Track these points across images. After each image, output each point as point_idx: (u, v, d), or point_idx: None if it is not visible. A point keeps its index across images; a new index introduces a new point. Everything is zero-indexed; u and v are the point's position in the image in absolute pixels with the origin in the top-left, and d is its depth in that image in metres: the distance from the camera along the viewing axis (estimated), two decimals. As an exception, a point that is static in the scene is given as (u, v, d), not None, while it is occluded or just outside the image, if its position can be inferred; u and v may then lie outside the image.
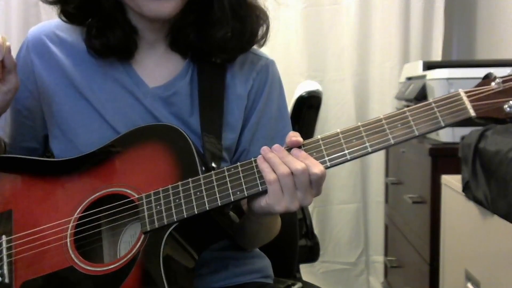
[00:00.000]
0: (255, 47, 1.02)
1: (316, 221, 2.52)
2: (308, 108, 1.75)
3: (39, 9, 2.47)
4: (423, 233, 1.74)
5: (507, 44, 2.12)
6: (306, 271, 2.38)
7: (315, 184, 0.80)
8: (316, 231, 1.70)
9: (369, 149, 0.80)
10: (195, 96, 0.98)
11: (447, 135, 1.65)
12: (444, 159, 1.62)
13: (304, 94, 1.74)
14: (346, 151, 0.80)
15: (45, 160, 0.99)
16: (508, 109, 0.78)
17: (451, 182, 1.48)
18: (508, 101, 0.78)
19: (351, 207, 2.57)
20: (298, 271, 1.39)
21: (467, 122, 0.80)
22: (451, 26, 2.61)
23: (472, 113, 0.78)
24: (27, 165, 0.96)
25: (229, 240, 1.01)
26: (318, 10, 2.50)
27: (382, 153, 2.41)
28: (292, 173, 0.79)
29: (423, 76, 1.82)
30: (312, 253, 1.64)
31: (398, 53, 2.48)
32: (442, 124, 0.79)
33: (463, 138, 1.38)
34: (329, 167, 0.81)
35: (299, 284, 1.19)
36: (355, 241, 2.59)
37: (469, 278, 1.34)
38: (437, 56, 2.47)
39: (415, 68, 1.94)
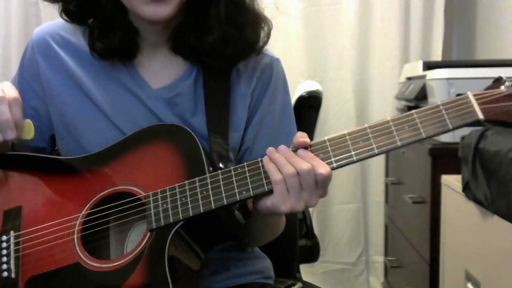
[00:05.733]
0: None
1: (316, 221, 2.52)
2: (308, 108, 1.75)
3: (39, 9, 2.47)
4: (423, 233, 1.74)
5: (507, 44, 2.12)
6: (306, 271, 2.37)
7: (321, 185, 0.80)
8: (316, 231, 1.70)
9: (376, 151, 0.80)
10: (199, 97, 0.98)
11: (447, 135, 1.65)
12: (444, 159, 1.62)
13: (304, 94, 1.74)
14: (353, 153, 0.80)
15: (55, 158, 1.00)
16: None
17: (451, 182, 1.48)
18: None
19: (351, 207, 2.57)
20: (298, 271, 1.39)
21: (475, 125, 0.80)
22: (451, 26, 2.61)
23: (481, 116, 0.78)
24: (37, 163, 0.97)
25: (234, 239, 1.01)
26: (318, 10, 2.50)
27: (382, 153, 2.41)
28: (298, 173, 0.79)
29: (423, 76, 1.81)
30: (312, 253, 1.64)
31: (398, 53, 2.48)
32: (450, 126, 0.79)
33: (463, 138, 1.38)
34: (335, 168, 0.81)
35: (299, 284, 1.19)
36: (355, 241, 2.59)
37: (469, 278, 1.34)
38: (437, 56, 2.47)
39: (415, 68, 1.94)
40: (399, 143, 0.80)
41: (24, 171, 0.97)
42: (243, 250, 1.06)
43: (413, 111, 0.81)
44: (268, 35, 1.00)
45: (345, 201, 2.56)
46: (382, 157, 2.42)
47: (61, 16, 0.99)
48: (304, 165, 0.79)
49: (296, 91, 1.78)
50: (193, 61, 1.00)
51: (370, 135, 0.80)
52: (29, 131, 0.92)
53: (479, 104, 0.79)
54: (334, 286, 2.60)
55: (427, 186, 1.67)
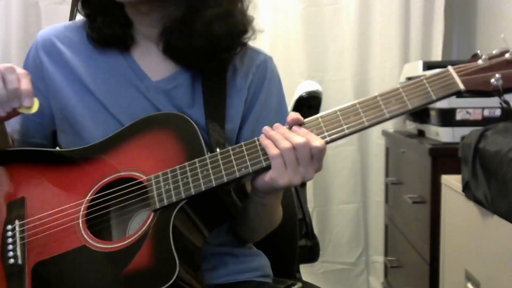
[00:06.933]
0: (251, 44, 1.05)
1: (316, 221, 2.52)
2: (308, 108, 1.75)
3: (39, 9, 2.47)
4: (423, 233, 1.74)
5: (507, 44, 2.11)
6: (306, 271, 2.37)
7: (316, 158, 0.84)
8: (316, 231, 1.69)
9: (366, 124, 0.85)
10: (197, 89, 1.01)
11: (447, 135, 1.65)
12: (444, 159, 1.62)
13: (304, 94, 1.74)
14: (344, 126, 0.85)
15: (55, 150, 1.03)
16: (494, 82, 0.84)
17: (451, 182, 1.48)
18: (494, 74, 0.84)
19: (351, 207, 2.57)
20: (298, 271, 1.39)
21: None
22: (451, 26, 2.61)
23: (461, 86, 0.85)
24: (38, 156, 1.00)
25: (232, 228, 1.04)
26: (318, 10, 2.50)
27: (382, 153, 2.41)
28: (294, 147, 0.83)
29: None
30: (312, 253, 1.64)
31: (398, 53, 2.48)
32: (434, 97, 0.85)
33: (463, 138, 1.38)
34: (328, 142, 0.86)
35: (299, 284, 1.19)
36: (355, 241, 2.59)
37: (469, 278, 1.34)
38: (437, 56, 2.47)
39: (415, 68, 1.94)
40: (387, 115, 0.85)
41: (26, 165, 1.00)
42: (241, 246, 1.07)
43: (398, 85, 0.86)
44: (252, 29, 1.02)
45: (345, 201, 2.56)
46: (382, 157, 2.42)
47: (78, 10, 1.04)
48: (299, 139, 0.84)
49: (296, 91, 1.78)
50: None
51: (360, 110, 0.85)
52: (34, 105, 0.93)
53: (459, 76, 0.85)
54: (334, 286, 2.60)
55: (427, 186, 1.67)
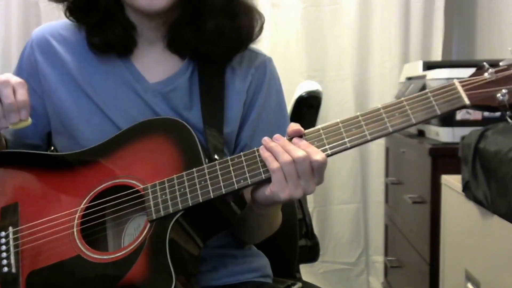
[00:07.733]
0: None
1: (316, 221, 2.52)
2: (308, 108, 1.75)
3: (39, 9, 2.47)
4: (423, 233, 1.74)
5: (507, 44, 2.12)
6: (306, 271, 2.37)
7: (317, 172, 0.82)
8: (316, 231, 1.70)
9: (369, 137, 0.82)
10: (195, 92, 1.00)
11: (447, 135, 1.65)
12: (444, 159, 1.62)
13: (304, 94, 1.74)
14: (346, 139, 0.83)
15: (51, 154, 1.01)
16: (500, 97, 0.81)
17: (451, 182, 1.48)
18: (501, 89, 0.81)
19: (351, 207, 2.57)
20: (298, 271, 1.39)
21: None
22: (451, 26, 2.61)
23: (467, 101, 0.81)
24: (33, 159, 0.98)
25: (231, 231, 1.03)
26: (318, 10, 2.50)
27: (382, 153, 2.41)
28: (294, 161, 0.81)
29: (423, 76, 1.81)
30: (312, 253, 1.64)
31: (398, 53, 2.48)
32: (438, 112, 0.82)
33: (463, 138, 1.38)
34: (330, 155, 0.83)
35: (299, 284, 1.19)
36: (355, 241, 2.59)
37: (469, 278, 1.34)
38: (437, 56, 2.47)
39: (415, 68, 1.94)
40: (390, 129, 0.82)
41: (20, 168, 0.98)
42: (241, 247, 1.07)
43: (402, 98, 0.83)
44: (261, 27, 1.03)
45: (345, 201, 2.56)
46: (382, 157, 2.42)
47: (66, 15, 1.01)
48: (299, 153, 0.81)
49: (296, 91, 1.78)
50: (189, 59, 1.02)
51: (362, 122, 0.83)
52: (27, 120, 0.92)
53: (465, 90, 0.82)
54: (334, 286, 2.60)
55: (427, 186, 1.67)
